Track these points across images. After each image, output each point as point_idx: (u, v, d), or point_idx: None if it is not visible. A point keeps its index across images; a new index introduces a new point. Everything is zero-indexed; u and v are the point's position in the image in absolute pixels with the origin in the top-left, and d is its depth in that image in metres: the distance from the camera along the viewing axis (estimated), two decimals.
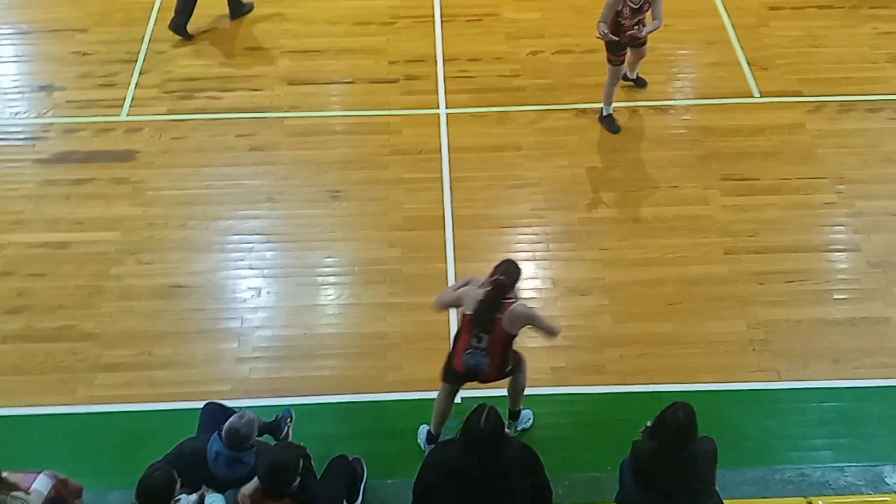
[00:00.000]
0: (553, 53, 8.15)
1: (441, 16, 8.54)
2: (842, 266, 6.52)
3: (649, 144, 7.37)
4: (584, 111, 7.62)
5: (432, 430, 5.35)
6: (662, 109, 7.65)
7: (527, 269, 6.47)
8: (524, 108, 7.67)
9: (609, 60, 7.02)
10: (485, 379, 4.97)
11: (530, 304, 5.08)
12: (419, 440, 5.42)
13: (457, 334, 4.98)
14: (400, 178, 7.09)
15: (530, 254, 6.61)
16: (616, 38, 6.71)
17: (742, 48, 8.15)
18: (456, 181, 7.06)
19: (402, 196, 6.96)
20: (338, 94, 7.87)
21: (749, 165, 7.16)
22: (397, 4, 8.67)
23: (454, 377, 5.04)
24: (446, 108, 7.66)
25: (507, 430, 5.16)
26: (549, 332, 4.95)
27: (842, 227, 6.74)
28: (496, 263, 4.80)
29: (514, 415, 5.47)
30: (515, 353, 5.03)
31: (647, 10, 6.76)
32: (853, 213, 6.81)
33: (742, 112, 7.60)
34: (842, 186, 7.00)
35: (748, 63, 8.01)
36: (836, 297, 6.31)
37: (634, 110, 7.62)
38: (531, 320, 4.81)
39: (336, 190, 7.01)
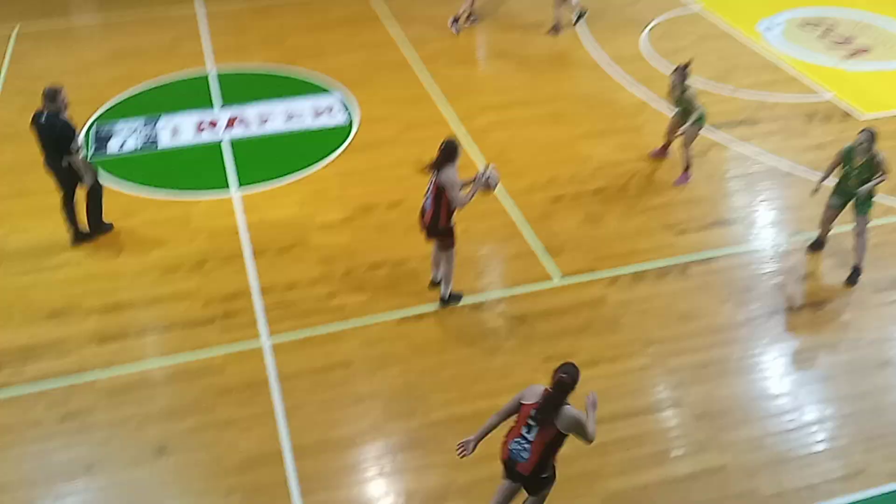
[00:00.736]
0: (366, 270, 8.43)
1: (252, 250, 8.68)
2: (671, 424, 6.84)
3: (472, 340, 7.63)
4: (405, 319, 7.83)
5: None
6: (477, 305, 8.01)
7: (378, 485, 6.35)
8: (347, 325, 7.77)
9: (452, 245, 7.65)
10: (522, 470, 5.36)
11: None
12: None
13: (511, 428, 5.42)
14: (230, 419, 6.82)
15: (378, 469, 6.46)
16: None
17: (537, 238, 8.83)
18: (290, 410, 6.89)
19: (234, 437, 6.67)
20: (154, 344, 7.62)
21: (566, 344, 7.55)
22: (205, 247, 8.74)
23: (503, 466, 5.49)
24: (269, 338, 7.61)
25: None
26: (589, 438, 5.35)
27: (661, 387, 7.15)
28: (554, 369, 5.27)
29: None
30: (554, 466, 5.45)
31: None
32: (668, 372, 7.28)
33: (548, 295, 8.11)
34: (652, 348, 7.51)
35: (545, 250, 8.67)
36: (673, 454, 6.57)
37: (451, 310, 7.93)
38: (578, 425, 5.25)
39: (162, 445, 6.61)
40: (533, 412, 5.24)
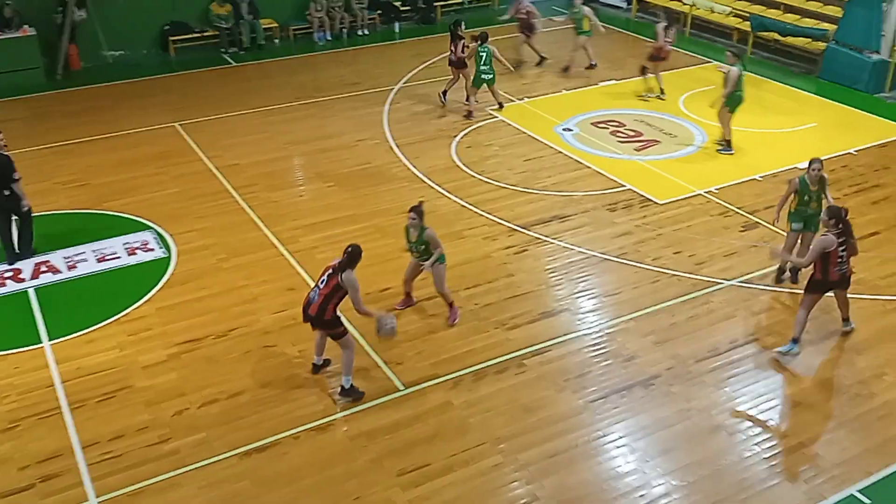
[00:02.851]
0: (199, 407, 7.98)
1: (68, 403, 8.00)
2: None
3: (322, 465, 7.33)
4: (247, 453, 7.43)
5: (796, 335, 8.50)
6: (323, 427, 7.76)
7: None
8: (184, 469, 7.25)
9: (344, 333, 8.02)
10: (847, 285, 8.51)
11: None
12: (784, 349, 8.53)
13: (825, 261, 8.23)
14: None
15: None
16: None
17: (375, 351, 8.76)
18: None
19: None
20: None
21: (418, 454, 7.42)
22: (15, 407, 7.96)
23: (824, 286, 8.42)
24: (97, 497, 6.95)
25: (845, 328, 9.02)
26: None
27: (515, 483, 7.15)
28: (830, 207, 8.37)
29: (847, 319, 8.91)
30: None
31: None
32: (520, 467, 7.30)
33: (394, 407, 8.00)
34: (502, 446, 7.53)
35: (384, 362, 8.60)
36: None
37: (296, 437, 7.62)
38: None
39: None
40: (842, 248, 8.18)
